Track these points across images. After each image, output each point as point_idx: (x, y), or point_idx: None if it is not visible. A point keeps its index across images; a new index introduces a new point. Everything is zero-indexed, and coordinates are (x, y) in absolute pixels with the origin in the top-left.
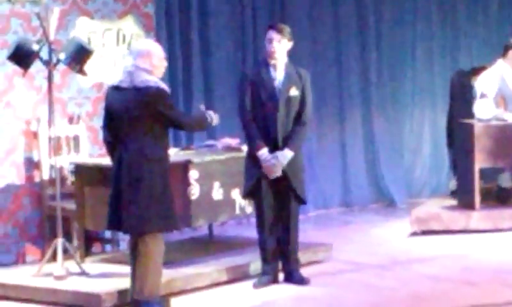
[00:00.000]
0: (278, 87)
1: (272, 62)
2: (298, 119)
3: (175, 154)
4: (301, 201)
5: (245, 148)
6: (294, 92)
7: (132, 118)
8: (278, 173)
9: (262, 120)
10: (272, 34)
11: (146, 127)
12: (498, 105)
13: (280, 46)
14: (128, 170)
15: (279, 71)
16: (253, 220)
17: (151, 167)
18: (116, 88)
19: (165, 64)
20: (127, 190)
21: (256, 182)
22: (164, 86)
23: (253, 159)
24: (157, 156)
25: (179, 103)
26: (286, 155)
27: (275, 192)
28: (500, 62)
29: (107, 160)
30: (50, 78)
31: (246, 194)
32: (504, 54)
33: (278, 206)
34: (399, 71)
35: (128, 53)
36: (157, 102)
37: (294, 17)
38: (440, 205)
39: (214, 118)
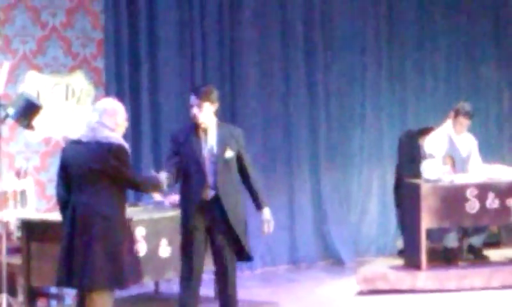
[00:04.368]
0: (211, 152)
1: (202, 126)
2: (248, 179)
3: None
4: (248, 258)
5: None
6: (229, 153)
7: (90, 171)
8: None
9: (189, 184)
10: (193, 100)
11: (102, 182)
12: (445, 164)
13: (202, 110)
14: (81, 224)
15: (210, 136)
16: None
17: (104, 224)
18: (75, 142)
19: (126, 124)
20: (78, 245)
21: (188, 234)
22: (125, 144)
23: (183, 212)
24: (110, 213)
25: None
26: (268, 213)
27: (210, 245)
28: (448, 124)
29: (53, 216)
30: None
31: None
32: (454, 117)
33: (215, 261)
34: (348, 129)
35: (93, 110)
36: (116, 157)
37: (243, 68)
38: (387, 264)
39: (164, 180)
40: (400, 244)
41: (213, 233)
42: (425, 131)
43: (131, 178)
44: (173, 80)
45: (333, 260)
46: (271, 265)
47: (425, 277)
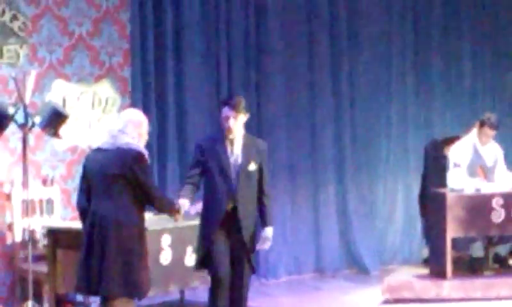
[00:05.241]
0: (235, 162)
1: (230, 137)
2: (261, 194)
3: (148, 219)
4: (252, 270)
5: None
6: (252, 167)
7: (110, 177)
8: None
9: (213, 194)
10: (228, 112)
11: (121, 190)
12: (475, 175)
13: (237, 122)
14: (98, 232)
15: (236, 146)
16: None
17: (118, 232)
18: (96, 150)
19: (147, 137)
20: (95, 252)
21: (209, 244)
22: (146, 152)
23: (206, 221)
24: (126, 221)
25: (153, 167)
26: (269, 232)
27: (230, 258)
28: (473, 133)
29: (79, 224)
30: (25, 141)
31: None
32: (479, 127)
33: (232, 273)
34: (373, 138)
35: (118, 118)
36: (136, 164)
37: (268, 78)
38: (412, 273)
39: (180, 208)
40: (425, 252)
41: (232, 244)
42: (450, 140)
43: (148, 188)
44: (198, 90)
45: (358, 269)
46: (296, 274)
47: (450, 286)
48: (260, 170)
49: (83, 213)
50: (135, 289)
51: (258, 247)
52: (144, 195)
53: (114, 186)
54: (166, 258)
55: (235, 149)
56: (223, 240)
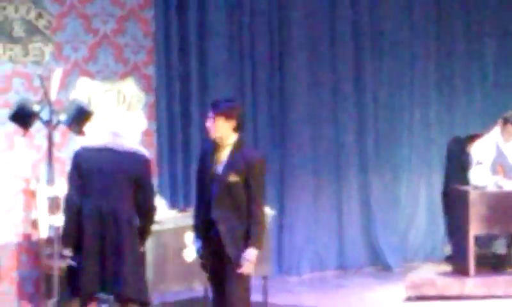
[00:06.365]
0: (218, 170)
1: (217, 142)
2: (248, 212)
3: (173, 216)
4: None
5: None
6: (233, 178)
7: (122, 176)
8: (251, 270)
9: (197, 204)
10: (209, 112)
11: (131, 189)
12: (496, 172)
13: (215, 125)
14: (114, 230)
15: (223, 154)
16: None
17: (131, 232)
18: (103, 149)
19: None
20: (111, 251)
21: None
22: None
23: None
24: (136, 221)
25: (177, 164)
26: (250, 254)
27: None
28: (496, 131)
29: None
30: (50, 139)
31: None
32: (503, 124)
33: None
34: (396, 136)
35: (121, 122)
36: (147, 168)
37: (292, 78)
38: (435, 271)
39: None
40: (448, 250)
41: (220, 262)
42: (473, 138)
43: (152, 194)
44: (222, 88)
45: (381, 266)
46: (319, 271)
47: (473, 283)
48: (247, 185)
49: (75, 210)
50: (144, 293)
51: (240, 270)
52: (144, 199)
53: (125, 186)
54: (189, 255)
55: (221, 158)
56: (207, 257)
